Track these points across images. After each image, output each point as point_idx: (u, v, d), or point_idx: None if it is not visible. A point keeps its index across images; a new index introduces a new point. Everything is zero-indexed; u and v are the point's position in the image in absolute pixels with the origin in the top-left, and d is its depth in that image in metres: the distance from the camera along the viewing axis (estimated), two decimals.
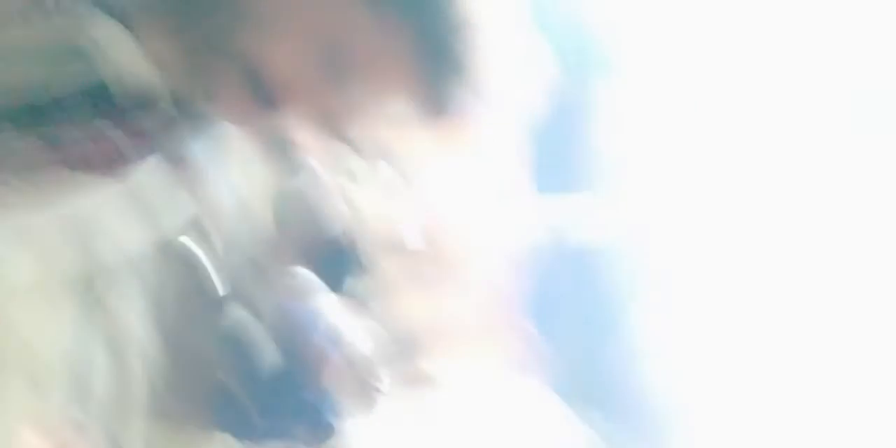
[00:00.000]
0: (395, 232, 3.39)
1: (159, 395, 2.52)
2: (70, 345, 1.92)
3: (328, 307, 3.16)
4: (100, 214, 0.83)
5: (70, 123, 0.72)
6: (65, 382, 1.86)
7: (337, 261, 2.83)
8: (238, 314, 3.00)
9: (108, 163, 0.76)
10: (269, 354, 2.83)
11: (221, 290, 2.86)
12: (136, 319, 2.44)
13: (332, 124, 0.75)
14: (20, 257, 1.02)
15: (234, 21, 0.68)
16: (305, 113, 0.72)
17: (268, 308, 2.92)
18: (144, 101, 0.74)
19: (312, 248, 3.24)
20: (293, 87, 0.69)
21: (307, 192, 3.63)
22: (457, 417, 3.43)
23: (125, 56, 0.72)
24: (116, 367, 2.17)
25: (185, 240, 2.92)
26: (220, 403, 3.00)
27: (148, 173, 0.83)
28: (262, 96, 0.68)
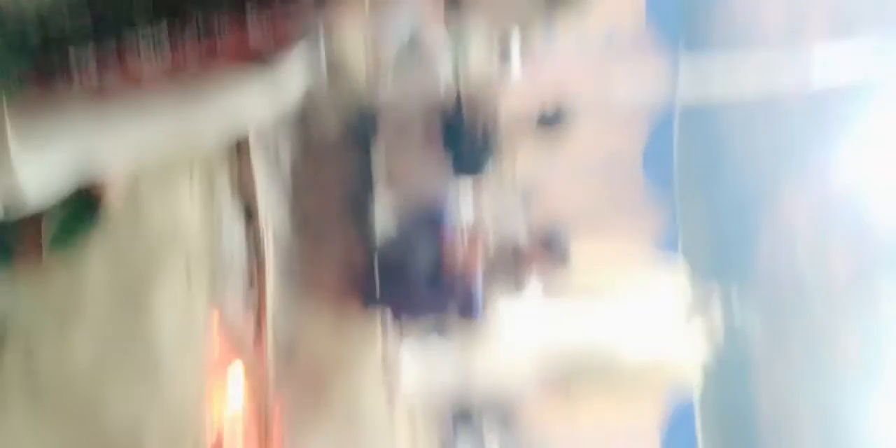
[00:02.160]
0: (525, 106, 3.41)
1: (295, 271, 2.74)
2: (211, 227, 2.08)
3: (466, 195, 3.26)
4: (242, 101, 0.85)
5: (219, 11, 0.73)
6: (210, 265, 2.04)
7: (472, 146, 2.92)
8: (385, 202, 3.11)
9: (258, 53, 0.77)
10: (418, 252, 2.96)
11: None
12: (268, 200, 2.59)
13: None
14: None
15: None
16: None
17: (409, 208, 3.00)
18: None
19: (448, 130, 3.29)
20: None
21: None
22: (594, 299, 3.70)
23: None
24: (251, 241, 2.33)
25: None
26: (371, 283, 3.27)
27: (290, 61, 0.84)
28: None
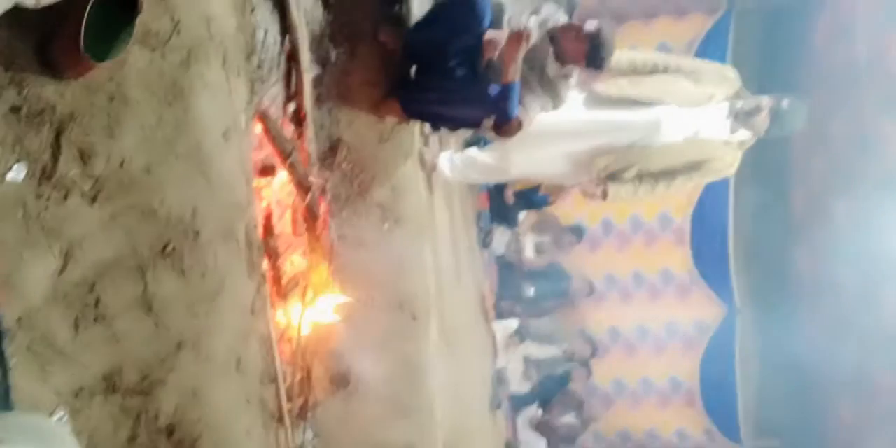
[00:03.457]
0: None
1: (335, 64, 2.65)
2: (240, 21, 1.99)
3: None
4: None
5: None
6: (247, 57, 1.97)
7: None
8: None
9: None
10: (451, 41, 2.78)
11: None
12: None
13: None
14: None
15: None
16: None
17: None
18: None
19: None
20: None
21: None
22: (635, 99, 3.50)
23: None
24: (282, 31, 2.23)
25: None
26: (407, 74, 3.14)
27: None
28: None
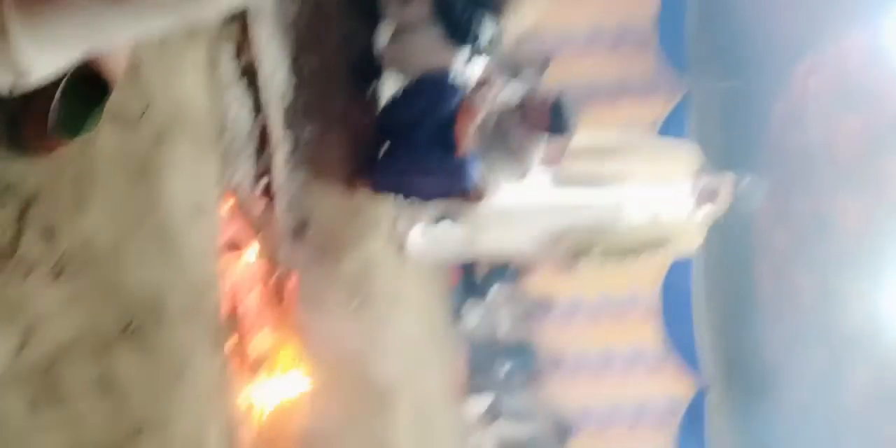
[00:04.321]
0: None
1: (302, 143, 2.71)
2: (216, 96, 2.04)
3: (469, 70, 3.11)
4: None
5: None
6: (218, 136, 2.01)
7: (461, 15, 2.69)
8: (389, 80, 2.99)
9: None
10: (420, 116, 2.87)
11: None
12: (273, 67, 2.54)
13: None
14: None
15: None
16: None
17: (415, 74, 2.91)
18: None
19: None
20: None
21: None
22: (600, 176, 3.63)
23: None
24: (254, 110, 2.29)
25: None
26: (377, 152, 3.20)
27: None
28: None
